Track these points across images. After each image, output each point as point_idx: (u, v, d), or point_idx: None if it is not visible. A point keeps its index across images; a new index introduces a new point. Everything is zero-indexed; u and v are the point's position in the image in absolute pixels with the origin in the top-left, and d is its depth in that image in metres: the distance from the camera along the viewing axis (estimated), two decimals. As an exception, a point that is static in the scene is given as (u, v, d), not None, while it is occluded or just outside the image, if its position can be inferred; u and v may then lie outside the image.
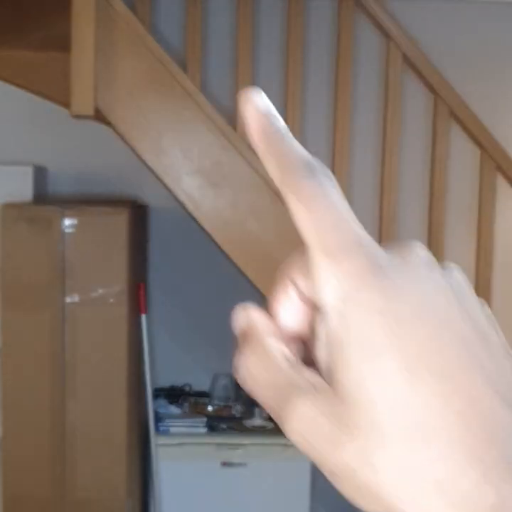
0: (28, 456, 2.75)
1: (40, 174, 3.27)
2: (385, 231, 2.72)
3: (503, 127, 3.14)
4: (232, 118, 2.69)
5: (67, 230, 2.68)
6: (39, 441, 2.75)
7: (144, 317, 3.05)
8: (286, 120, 2.78)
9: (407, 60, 2.68)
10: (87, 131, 3.27)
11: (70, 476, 2.75)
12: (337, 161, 2.70)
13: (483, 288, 2.80)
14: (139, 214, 3.15)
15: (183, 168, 2.61)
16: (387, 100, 2.69)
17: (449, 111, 2.69)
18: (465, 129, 2.73)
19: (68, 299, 2.69)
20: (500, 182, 2.81)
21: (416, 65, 2.69)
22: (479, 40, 3.26)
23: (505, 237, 3.14)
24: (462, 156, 3.06)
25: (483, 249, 2.78)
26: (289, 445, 3.35)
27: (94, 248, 2.70)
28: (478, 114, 2.80)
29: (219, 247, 2.68)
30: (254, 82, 2.83)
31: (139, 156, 2.63)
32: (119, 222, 2.70)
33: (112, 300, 2.71)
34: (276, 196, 2.60)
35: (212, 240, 2.68)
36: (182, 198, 2.64)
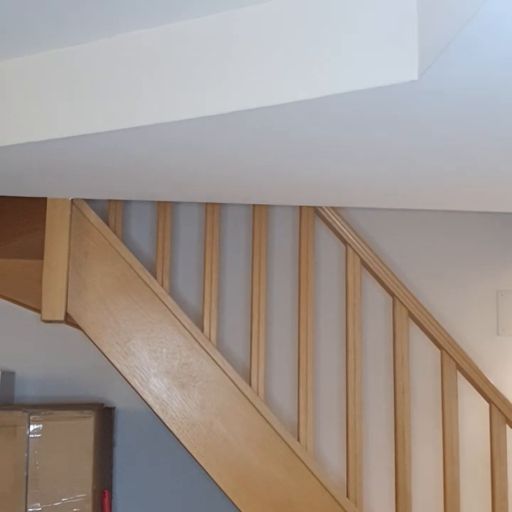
0: None
1: (7, 379, 3.26)
2: (351, 441, 2.72)
3: (462, 326, 3.24)
4: (199, 319, 2.76)
5: (32, 436, 2.64)
6: None
7: (107, 526, 2.93)
8: (251, 320, 2.84)
9: (364, 263, 2.82)
10: (56, 335, 3.32)
11: None
12: (302, 360, 2.75)
13: (451, 488, 2.76)
14: (105, 417, 3.12)
15: (151, 369, 2.64)
16: (347, 302, 2.80)
17: (407, 312, 2.79)
18: (424, 329, 2.83)
19: (30, 509, 2.61)
20: (462, 382, 2.86)
21: (373, 269, 2.82)
22: (438, 244, 3.38)
23: (470, 437, 3.15)
24: (423, 356, 3.13)
25: (450, 449, 2.77)
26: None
27: (59, 454, 2.66)
28: (438, 314, 2.90)
29: (186, 450, 2.65)
30: (220, 285, 2.94)
31: (107, 358, 2.66)
32: (86, 426, 2.68)
33: (75, 509, 2.63)
34: (244, 397, 2.61)
35: (180, 442, 2.66)
36: (149, 400, 2.65)
